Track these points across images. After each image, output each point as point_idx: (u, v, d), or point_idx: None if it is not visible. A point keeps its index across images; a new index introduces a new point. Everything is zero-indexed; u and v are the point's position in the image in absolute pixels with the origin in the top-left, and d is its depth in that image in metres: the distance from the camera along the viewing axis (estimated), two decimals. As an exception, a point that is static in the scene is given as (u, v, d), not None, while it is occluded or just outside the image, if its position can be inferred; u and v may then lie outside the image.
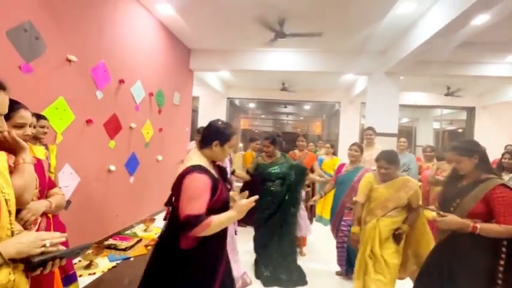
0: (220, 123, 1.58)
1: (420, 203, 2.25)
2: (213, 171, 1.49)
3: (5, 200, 0.91)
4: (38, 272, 0.89)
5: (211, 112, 9.47)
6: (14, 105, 1.26)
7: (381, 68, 5.57)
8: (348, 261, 2.94)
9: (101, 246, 3.27)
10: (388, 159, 2.23)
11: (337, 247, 2.96)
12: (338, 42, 5.20)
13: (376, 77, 5.69)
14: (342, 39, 5.04)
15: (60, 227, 2.42)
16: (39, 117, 2.27)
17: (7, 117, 1.23)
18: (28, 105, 2.27)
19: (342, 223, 2.91)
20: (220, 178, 1.53)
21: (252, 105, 12.64)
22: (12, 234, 0.91)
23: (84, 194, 3.18)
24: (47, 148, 2.44)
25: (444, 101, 8.73)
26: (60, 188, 2.22)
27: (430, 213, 1.66)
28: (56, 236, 0.93)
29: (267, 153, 3.03)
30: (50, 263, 0.90)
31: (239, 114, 13.01)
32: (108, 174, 3.62)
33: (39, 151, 2.08)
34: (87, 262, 2.91)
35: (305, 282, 2.92)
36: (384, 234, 2.24)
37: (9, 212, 0.91)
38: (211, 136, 1.52)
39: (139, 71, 4.16)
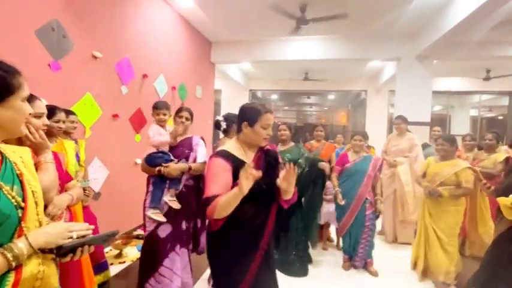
0: (248, 104, 1.52)
1: (471, 185, 2.48)
2: (241, 156, 1.42)
3: (32, 191, 0.93)
4: (68, 258, 0.91)
5: (233, 105, 9.47)
6: (30, 97, 1.29)
7: (412, 52, 5.22)
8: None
9: (130, 236, 3.41)
10: (445, 137, 2.60)
11: (362, 243, 2.80)
12: (363, 27, 4.92)
13: (406, 63, 5.35)
14: (368, 23, 4.76)
15: (91, 218, 2.54)
16: (68, 112, 2.35)
17: None
18: (58, 102, 2.37)
19: (365, 218, 2.76)
20: (260, 163, 1.45)
21: (274, 96, 12.48)
22: (41, 224, 0.93)
23: (112, 186, 3.30)
24: (76, 143, 2.54)
25: (483, 85, 8.05)
26: (90, 180, 2.30)
27: (507, 199, 1.68)
28: (84, 228, 0.95)
29: (283, 136, 3.02)
30: (79, 249, 0.92)
31: (262, 106, 12.93)
32: (134, 167, 3.74)
33: (69, 145, 2.16)
34: (118, 251, 3.05)
35: (305, 273, 2.85)
36: (432, 209, 2.59)
37: (36, 203, 0.92)
38: (240, 119, 1.47)
39: (162, 65, 4.22)
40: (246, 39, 5.84)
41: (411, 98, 5.26)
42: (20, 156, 0.98)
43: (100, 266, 2.54)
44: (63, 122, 2.05)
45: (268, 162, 1.49)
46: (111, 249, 3.10)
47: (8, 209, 0.81)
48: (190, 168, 2.11)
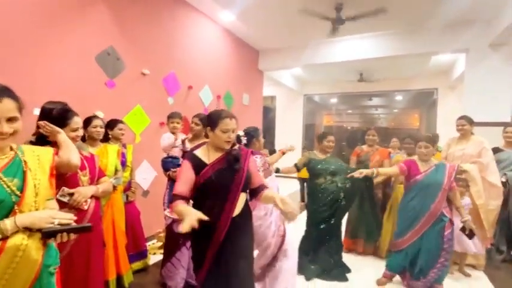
0: (213, 111, 1.65)
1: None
2: (204, 157, 1.57)
3: (34, 184, 1.13)
4: (51, 241, 1.10)
5: (288, 110, 9.55)
6: (69, 113, 1.63)
7: (483, 40, 4.48)
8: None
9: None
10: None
11: (437, 268, 2.40)
12: (417, 18, 4.46)
13: (476, 53, 4.61)
14: (422, 13, 4.30)
15: (134, 212, 2.95)
16: (117, 121, 2.79)
17: (65, 124, 1.61)
18: (113, 113, 2.83)
19: (444, 239, 2.38)
20: (220, 162, 1.56)
21: (333, 100, 12.05)
22: (36, 210, 1.11)
23: (159, 186, 3.73)
24: (125, 147, 2.98)
25: None
26: (118, 178, 2.62)
27: None
28: (67, 217, 1.11)
29: (329, 148, 2.96)
30: (59, 235, 1.08)
31: (321, 110, 12.61)
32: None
33: (112, 149, 2.55)
34: (161, 243, 3.44)
35: (346, 278, 2.82)
36: None
37: (36, 193, 1.12)
38: (207, 124, 1.61)
39: (207, 76, 4.60)
40: (291, 44, 5.89)
41: (484, 94, 4.50)
42: (37, 155, 1.23)
43: (141, 253, 2.92)
44: (101, 127, 2.42)
45: (228, 161, 1.56)
46: (156, 241, 3.51)
47: (2, 195, 1.03)
48: None
